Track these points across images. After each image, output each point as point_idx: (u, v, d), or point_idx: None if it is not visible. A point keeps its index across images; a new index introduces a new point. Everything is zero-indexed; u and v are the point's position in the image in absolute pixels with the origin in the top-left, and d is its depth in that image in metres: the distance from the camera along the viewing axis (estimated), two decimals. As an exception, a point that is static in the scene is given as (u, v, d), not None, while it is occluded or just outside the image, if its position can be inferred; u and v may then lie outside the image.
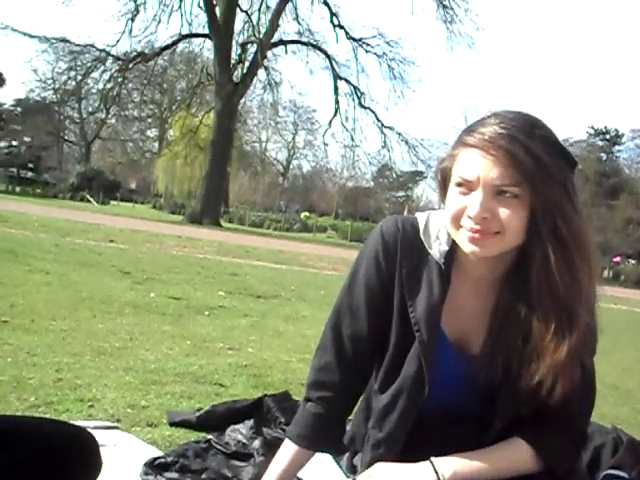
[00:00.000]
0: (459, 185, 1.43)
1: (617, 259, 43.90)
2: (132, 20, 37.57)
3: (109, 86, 42.22)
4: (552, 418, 1.53)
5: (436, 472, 1.48)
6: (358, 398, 1.74)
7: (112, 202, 52.29)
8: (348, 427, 1.82)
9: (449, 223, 1.47)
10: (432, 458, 1.52)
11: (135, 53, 39.76)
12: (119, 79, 41.73)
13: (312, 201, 67.84)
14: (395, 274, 1.58)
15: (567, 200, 1.42)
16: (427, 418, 1.63)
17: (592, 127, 53.75)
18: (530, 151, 1.36)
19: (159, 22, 37.52)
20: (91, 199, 49.63)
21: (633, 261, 44.12)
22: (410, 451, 1.56)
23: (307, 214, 55.89)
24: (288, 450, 1.69)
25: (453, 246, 1.56)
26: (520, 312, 1.50)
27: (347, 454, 1.95)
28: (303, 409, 1.70)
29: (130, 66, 40.82)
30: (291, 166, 69.69)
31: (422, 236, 1.58)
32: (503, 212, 1.39)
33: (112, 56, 40.71)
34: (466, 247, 1.45)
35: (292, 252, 18.40)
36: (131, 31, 38.00)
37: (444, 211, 1.53)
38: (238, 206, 58.59)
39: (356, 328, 1.62)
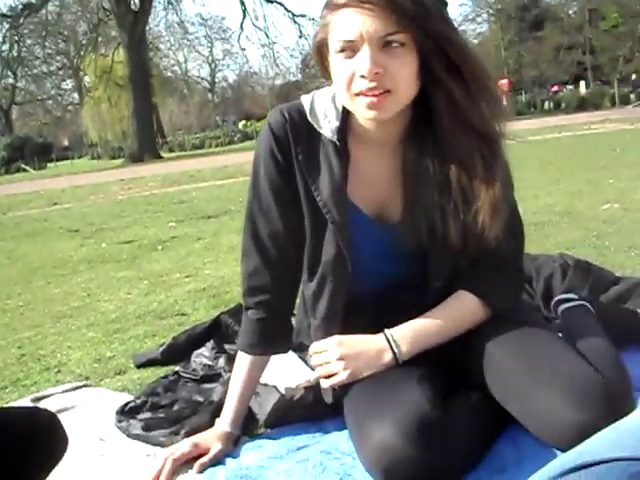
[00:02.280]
0: (342, 50, 1.39)
1: (555, 88, 44.12)
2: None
3: (6, 47, 40.54)
4: (489, 262, 1.55)
5: (392, 349, 1.50)
6: (296, 294, 1.74)
7: (49, 165, 50.91)
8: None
9: (343, 93, 1.43)
10: (385, 330, 1.53)
11: (22, 6, 37.90)
12: (14, 37, 39.96)
13: (246, 109, 66.58)
14: (293, 163, 1.56)
15: (452, 30, 1.41)
16: (366, 294, 1.64)
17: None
18: None
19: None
20: (27, 167, 48.31)
21: (570, 86, 44.25)
22: (360, 330, 1.57)
23: (245, 122, 55.00)
24: (243, 362, 1.71)
25: (346, 119, 1.54)
26: (430, 166, 1.49)
27: (311, 349, 1.96)
28: (246, 318, 1.71)
29: (21, 21, 38.98)
30: (216, 80, 68.14)
31: (310, 118, 1.55)
32: (393, 63, 1.36)
33: (-2, 15, 38.87)
34: (365, 114, 1.43)
35: (236, 164, 18.12)
36: (10, -17, 36.20)
37: (333, 85, 1.49)
38: (175, 134, 57.50)
39: (272, 227, 1.61)
